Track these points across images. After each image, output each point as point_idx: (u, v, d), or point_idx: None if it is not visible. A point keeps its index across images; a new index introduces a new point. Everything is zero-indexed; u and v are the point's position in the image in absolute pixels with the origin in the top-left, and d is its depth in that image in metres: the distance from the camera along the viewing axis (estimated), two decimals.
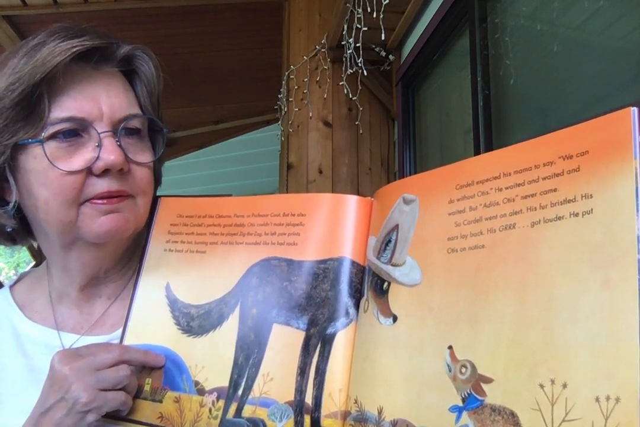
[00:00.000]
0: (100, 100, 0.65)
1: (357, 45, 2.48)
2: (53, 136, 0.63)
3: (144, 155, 0.69)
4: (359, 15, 2.34)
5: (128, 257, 0.76)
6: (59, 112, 0.63)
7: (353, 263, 0.61)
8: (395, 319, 0.55)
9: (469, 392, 0.46)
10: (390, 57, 2.77)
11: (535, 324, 0.43)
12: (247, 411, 0.60)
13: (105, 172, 0.64)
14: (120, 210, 0.66)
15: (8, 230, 0.70)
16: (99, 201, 0.65)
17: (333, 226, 0.63)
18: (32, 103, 0.62)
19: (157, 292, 0.70)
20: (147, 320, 0.69)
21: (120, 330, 0.70)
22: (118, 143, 0.65)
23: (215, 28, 3.71)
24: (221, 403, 0.61)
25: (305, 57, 2.90)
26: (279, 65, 3.25)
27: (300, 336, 0.60)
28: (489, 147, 1.86)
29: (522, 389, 0.42)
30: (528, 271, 0.45)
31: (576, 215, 0.42)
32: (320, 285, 0.61)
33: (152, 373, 0.66)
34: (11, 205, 0.67)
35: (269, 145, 4.52)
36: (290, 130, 2.92)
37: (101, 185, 0.64)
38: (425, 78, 2.59)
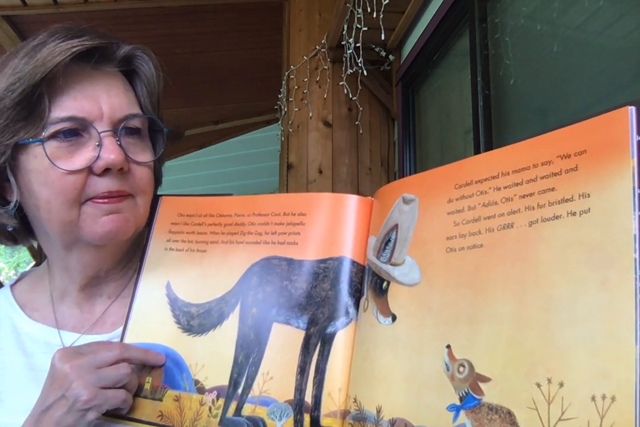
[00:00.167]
0: (101, 100, 0.65)
1: (357, 45, 2.48)
2: (53, 136, 0.64)
3: (144, 155, 0.69)
4: (359, 15, 2.34)
5: (129, 257, 0.76)
6: (59, 111, 0.64)
7: (353, 262, 0.61)
8: (394, 318, 0.55)
9: (466, 391, 0.46)
10: (390, 57, 2.77)
11: (534, 324, 0.43)
12: (247, 409, 0.60)
13: (106, 171, 0.64)
14: (121, 210, 0.66)
15: (9, 229, 0.71)
16: (100, 200, 0.65)
17: (333, 225, 0.63)
18: (32, 103, 0.63)
19: (158, 291, 0.70)
20: (148, 319, 0.70)
21: (121, 329, 0.70)
22: (118, 142, 0.65)
23: (215, 28, 3.71)
24: (221, 402, 0.62)
25: (305, 57, 2.90)
26: (279, 65, 3.25)
27: (300, 335, 0.60)
28: (489, 147, 1.86)
29: (519, 388, 0.43)
30: (526, 270, 0.45)
31: (574, 214, 0.43)
32: (321, 284, 0.61)
33: (152, 372, 0.67)
34: (12, 205, 0.68)
35: (269, 145, 4.52)
36: (290, 130, 2.92)
37: (101, 185, 0.65)
38: (425, 78, 2.59)
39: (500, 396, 0.44)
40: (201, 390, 0.63)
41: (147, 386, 0.66)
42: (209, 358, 0.64)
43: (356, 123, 2.83)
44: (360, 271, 0.61)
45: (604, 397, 0.37)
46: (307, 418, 0.57)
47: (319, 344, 0.60)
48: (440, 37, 2.32)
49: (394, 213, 0.58)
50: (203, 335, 0.66)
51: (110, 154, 0.64)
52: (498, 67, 1.87)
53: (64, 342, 0.72)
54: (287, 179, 2.89)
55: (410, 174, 2.56)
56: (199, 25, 3.65)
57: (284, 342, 0.61)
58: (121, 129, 0.66)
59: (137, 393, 0.66)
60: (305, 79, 2.87)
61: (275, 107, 3.20)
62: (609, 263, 0.40)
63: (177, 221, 0.73)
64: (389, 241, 0.58)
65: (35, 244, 0.78)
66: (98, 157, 0.64)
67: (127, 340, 0.69)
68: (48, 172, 0.64)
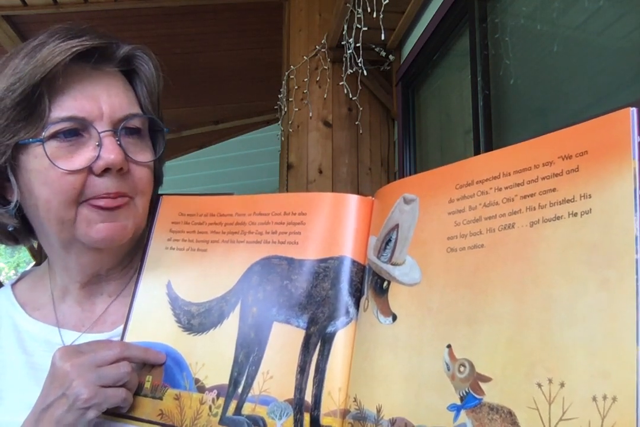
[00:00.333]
0: (101, 99, 0.65)
1: (357, 45, 2.48)
2: (54, 136, 0.64)
3: (144, 155, 0.69)
4: (359, 15, 2.34)
5: (130, 256, 0.76)
6: (59, 111, 0.64)
7: (353, 262, 0.61)
8: (394, 318, 0.55)
9: (467, 391, 0.46)
10: (390, 57, 2.77)
11: (534, 324, 0.43)
12: (247, 408, 0.60)
13: (106, 171, 0.65)
14: (118, 218, 0.66)
15: (10, 229, 0.71)
16: (98, 202, 0.65)
17: (334, 225, 0.63)
18: (32, 103, 0.63)
19: (158, 290, 0.70)
20: (148, 318, 0.70)
21: (121, 327, 0.70)
22: (118, 142, 0.65)
23: (215, 28, 3.71)
24: (221, 401, 0.62)
25: (305, 57, 2.90)
26: (279, 65, 3.25)
27: (301, 334, 0.60)
28: (489, 147, 1.86)
29: (519, 388, 0.43)
30: (527, 270, 0.45)
31: (575, 215, 0.43)
32: (321, 284, 0.61)
33: (152, 370, 0.67)
34: (12, 204, 0.68)
35: (269, 145, 4.52)
36: (290, 130, 2.92)
37: (100, 185, 0.65)
38: (425, 78, 2.59)
39: (501, 395, 0.44)
40: (201, 389, 0.63)
41: (148, 385, 0.66)
42: (209, 357, 0.64)
43: (356, 123, 2.83)
44: (360, 271, 0.61)
45: (605, 397, 0.38)
46: (307, 417, 0.57)
47: (319, 344, 0.60)
48: (440, 37, 2.32)
49: (395, 213, 0.59)
50: (203, 334, 0.66)
51: (110, 154, 0.64)
52: (498, 67, 1.87)
53: (65, 340, 0.72)
54: (287, 179, 2.90)
55: (410, 174, 2.56)
56: (199, 25, 3.65)
57: (284, 341, 0.61)
58: (121, 129, 0.66)
59: (138, 392, 0.66)
60: (305, 79, 2.87)
61: (275, 107, 3.20)
62: (609, 263, 0.40)
63: (178, 220, 0.73)
64: (390, 240, 0.58)
65: (35, 244, 0.78)
66: (98, 157, 0.64)
67: (128, 339, 0.69)
68: (48, 172, 0.64)
